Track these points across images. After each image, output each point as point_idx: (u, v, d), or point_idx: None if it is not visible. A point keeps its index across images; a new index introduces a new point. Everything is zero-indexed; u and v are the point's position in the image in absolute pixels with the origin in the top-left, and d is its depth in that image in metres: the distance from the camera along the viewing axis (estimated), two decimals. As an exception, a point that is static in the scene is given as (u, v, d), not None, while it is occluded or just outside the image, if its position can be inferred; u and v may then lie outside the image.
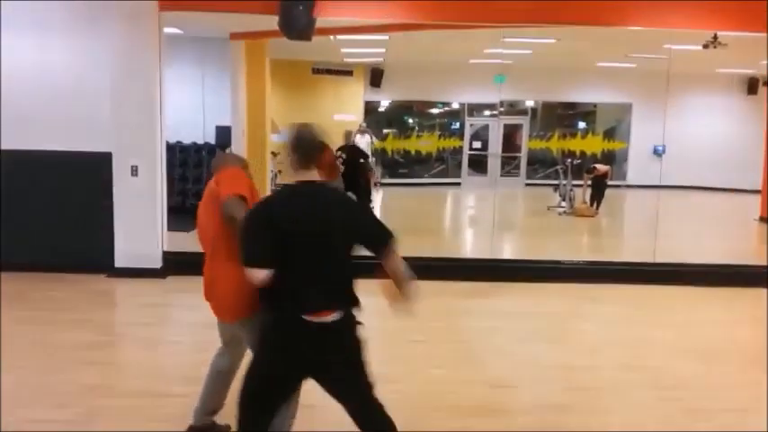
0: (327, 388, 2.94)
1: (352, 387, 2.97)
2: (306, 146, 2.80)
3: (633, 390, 4.37)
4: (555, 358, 4.95)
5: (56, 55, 7.01)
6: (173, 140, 9.88)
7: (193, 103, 11.35)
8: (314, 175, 2.80)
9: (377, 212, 12.79)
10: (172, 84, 7.68)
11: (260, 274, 2.66)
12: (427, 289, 6.81)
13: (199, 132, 10.64)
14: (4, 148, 6.95)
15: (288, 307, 2.72)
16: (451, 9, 7.37)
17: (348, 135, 10.44)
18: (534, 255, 8.40)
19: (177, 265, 7.01)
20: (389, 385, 4.33)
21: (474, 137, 18.46)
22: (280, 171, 11.07)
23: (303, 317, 2.70)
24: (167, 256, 7.10)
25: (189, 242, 8.64)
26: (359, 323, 2.98)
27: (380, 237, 2.97)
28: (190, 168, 10.62)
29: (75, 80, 7.01)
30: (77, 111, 6.99)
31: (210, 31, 10.66)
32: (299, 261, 2.70)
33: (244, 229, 2.75)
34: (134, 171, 6.89)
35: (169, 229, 7.33)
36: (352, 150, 10.29)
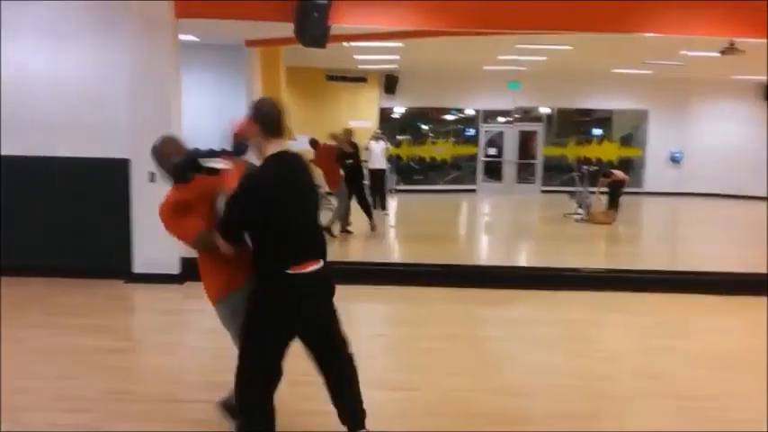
0: (311, 338, 3.27)
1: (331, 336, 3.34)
2: (271, 114, 3.09)
3: (651, 399, 4.32)
4: (572, 367, 4.91)
5: (74, 62, 7.11)
6: (189, 147, 9.92)
7: (209, 110, 11.41)
8: (284, 144, 3.10)
9: (391, 219, 12.79)
10: (188, 90, 7.75)
11: (228, 248, 3.02)
12: (443, 296, 6.93)
13: (215, 139, 10.69)
14: (22, 154, 7.04)
15: (277, 264, 2.98)
16: (466, 15, 7.37)
17: (347, 134, 10.40)
18: (551, 262, 8.36)
19: (195, 270, 6.99)
20: (406, 392, 4.35)
21: (489, 143, 18.44)
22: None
23: (289, 271, 2.98)
24: (185, 261, 7.14)
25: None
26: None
27: None
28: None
29: (93, 87, 7.10)
30: (96, 117, 7.07)
31: (226, 38, 10.74)
32: (286, 223, 2.98)
33: (233, 204, 2.98)
34: (152, 177, 6.93)
35: (186, 234, 7.36)
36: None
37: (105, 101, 7.07)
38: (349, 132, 10.48)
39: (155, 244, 7.05)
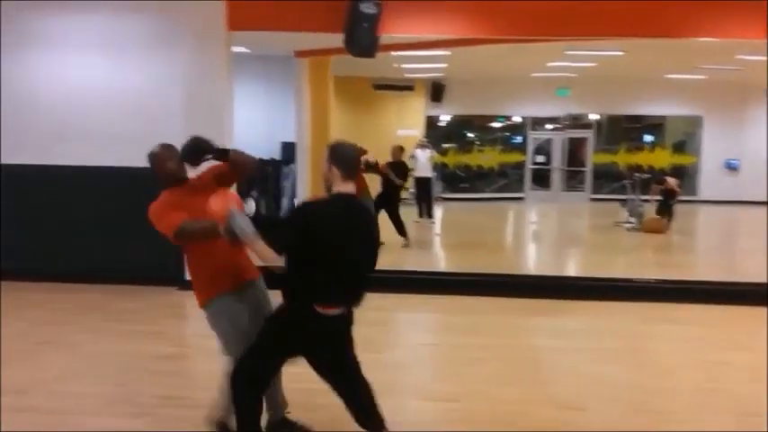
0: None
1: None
2: (349, 159, 3.06)
3: (710, 414, 4.18)
4: (626, 379, 4.79)
5: (130, 74, 7.29)
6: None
7: (259, 120, 11.62)
8: (352, 188, 3.08)
9: (437, 228, 12.75)
10: (238, 100, 7.89)
11: (272, 255, 2.91)
12: (491, 305, 6.86)
13: (264, 148, 10.85)
14: (85, 164, 7.27)
15: (307, 299, 3.01)
16: (515, 23, 7.32)
17: (397, 151, 10.37)
18: (602, 272, 8.19)
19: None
20: (450, 404, 4.31)
21: (537, 151, 18.23)
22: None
23: (317, 308, 3.00)
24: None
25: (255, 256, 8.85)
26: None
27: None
28: (256, 183, 10.82)
29: (148, 99, 7.27)
30: (151, 129, 7.24)
31: (276, 49, 10.92)
32: (332, 263, 2.97)
33: (289, 220, 3.11)
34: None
35: (236, 243, 7.49)
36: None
37: (160, 112, 7.24)
38: (400, 149, 10.43)
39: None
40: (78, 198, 7.35)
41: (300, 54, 11.22)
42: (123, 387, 4.45)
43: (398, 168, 10.09)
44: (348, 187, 3.06)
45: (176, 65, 7.15)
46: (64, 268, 7.27)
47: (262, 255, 2.94)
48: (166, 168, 3.50)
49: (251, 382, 3.17)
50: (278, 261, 2.96)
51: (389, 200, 10.02)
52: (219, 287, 3.42)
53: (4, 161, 7.38)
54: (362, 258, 3.08)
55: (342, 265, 3.00)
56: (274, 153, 11.89)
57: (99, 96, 7.29)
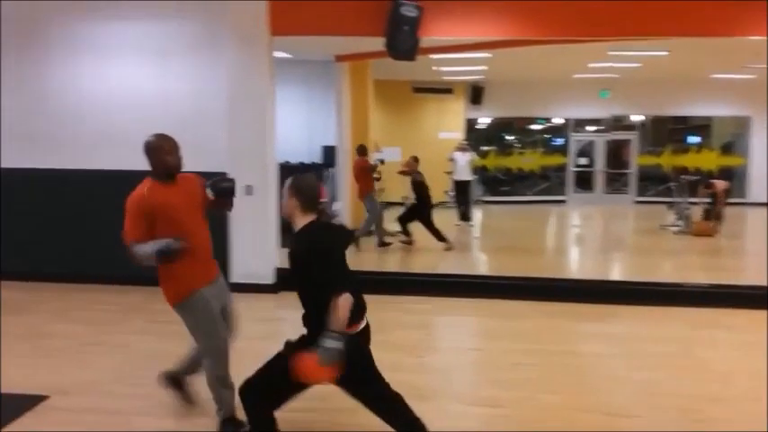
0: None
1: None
2: (307, 191, 3.20)
3: (762, 422, 4.04)
4: (677, 387, 4.66)
5: (175, 79, 7.43)
6: (281, 160, 10.21)
7: (300, 124, 11.69)
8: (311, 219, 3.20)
9: (476, 231, 12.66)
10: (280, 105, 7.96)
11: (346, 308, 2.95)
12: (533, 310, 6.77)
13: (305, 152, 10.93)
14: (130, 168, 7.40)
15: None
16: (558, 24, 7.24)
17: (413, 163, 10.35)
18: (649, 276, 8.01)
19: (288, 281, 7.20)
20: (497, 409, 4.25)
21: (579, 153, 17.95)
22: (383, 189, 11.16)
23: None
24: (280, 272, 7.32)
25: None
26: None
27: None
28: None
29: (192, 103, 7.38)
30: (195, 132, 7.36)
31: (316, 53, 10.98)
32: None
33: (321, 265, 3.07)
34: (248, 190, 7.14)
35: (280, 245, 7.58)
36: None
37: (204, 116, 7.35)
38: (415, 161, 10.38)
39: (251, 255, 7.27)
40: (122, 202, 7.48)
41: (340, 58, 11.26)
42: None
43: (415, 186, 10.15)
44: (308, 219, 3.18)
45: (220, 70, 7.25)
46: (107, 271, 7.39)
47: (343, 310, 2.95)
48: (165, 161, 3.62)
49: (268, 403, 3.26)
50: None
51: (422, 208, 10.04)
52: (190, 288, 3.62)
53: (51, 166, 7.60)
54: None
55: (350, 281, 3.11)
56: (315, 157, 11.96)
57: (144, 101, 7.43)
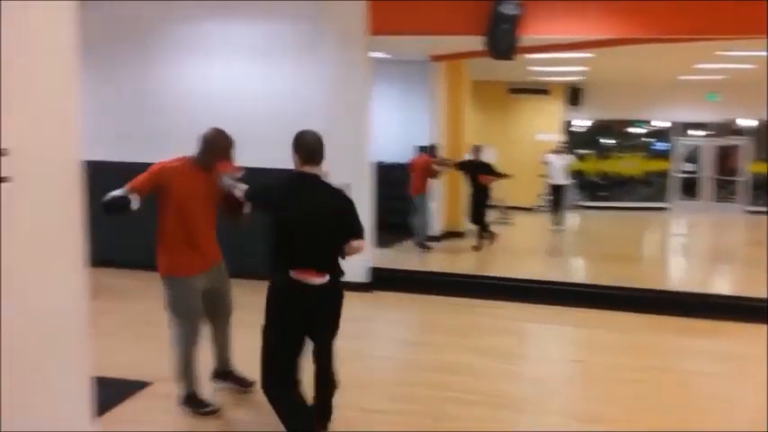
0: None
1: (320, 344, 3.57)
2: (305, 146, 3.61)
3: None
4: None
5: (275, 79, 7.55)
6: (376, 159, 10.25)
7: (395, 124, 11.68)
8: (317, 170, 3.56)
9: (567, 237, 12.28)
10: (376, 105, 7.98)
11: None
12: (635, 322, 6.43)
13: (400, 152, 10.90)
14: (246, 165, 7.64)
15: (276, 263, 3.46)
16: (663, 22, 6.88)
17: (476, 150, 10.34)
18: (763, 292, 7.45)
19: (382, 280, 7.24)
20: (606, 425, 4.03)
21: (684, 158, 17.05)
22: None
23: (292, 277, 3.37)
24: (374, 271, 7.33)
25: (393, 258, 8.91)
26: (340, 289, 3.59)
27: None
28: (392, 187, 10.87)
29: (292, 102, 7.45)
30: (294, 132, 7.48)
31: (412, 53, 10.94)
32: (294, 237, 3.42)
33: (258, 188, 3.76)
34: (345, 189, 7.18)
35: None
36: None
37: (301, 115, 7.44)
38: (477, 149, 10.39)
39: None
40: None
41: (436, 58, 11.19)
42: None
43: (473, 167, 10.08)
44: (309, 169, 3.53)
45: (318, 69, 7.32)
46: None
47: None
48: (210, 154, 3.91)
49: (266, 368, 3.50)
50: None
51: (476, 199, 10.04)
52: (177, 271, 3.87)
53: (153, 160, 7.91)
54: (314, 226, 3.43)
55: (293, 230, 3.43)
56: (410, 156, 11.92)
57: (242, 100, 7.59)
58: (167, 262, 3.89)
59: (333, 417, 3.67)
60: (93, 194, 3.21)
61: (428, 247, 9.87)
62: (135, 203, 3.63)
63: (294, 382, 3.53)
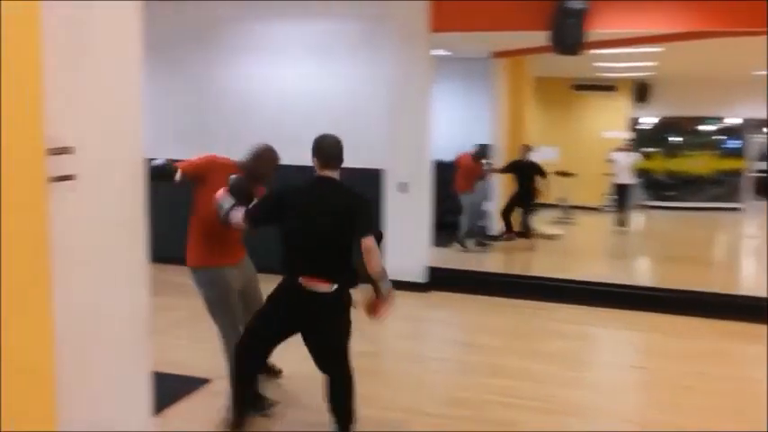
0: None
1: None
2: (323, 150, 3.63)
3: None
4: None
5: (338, 77, 7.58)
6: (435, 158, 10.17)
7: (456, 121, 11.58)
8: (335, 174, 3.58)
9: (633, 238, 11.89)
10: (436, 102, 7.91)
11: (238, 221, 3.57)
12: (701, 327, 6.17)
13: (460, 149, 10.78)
14: (295, 163, 7.71)
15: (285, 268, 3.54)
16: (739, 15, 6.56)
17: (525, 150, 10.23)
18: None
19: (438, 280, 7.17)
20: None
21: (760, 157, 16.28)
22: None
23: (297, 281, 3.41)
24: (431, 271, 7.27)
25: (449, 258, 8.81)
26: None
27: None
28: (451, 185, 10.77)
29: (354, 101, 7.49)
30: (355, 130, 7.48)
31: (473, 50, 10.80)
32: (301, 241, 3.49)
33: (263, 198, 3.80)
34: (404, 188, 7.16)
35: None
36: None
37: (362, 113, 7.46)
38: (526, 148, 10.31)
39: (403, 252, 7.20)
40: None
41: (498, 55, 11.01)
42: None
43: (519, 168, 9.99)
44: (328, 173, 3.55)
45: (380, 68, 7.31)
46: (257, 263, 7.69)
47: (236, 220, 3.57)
48: (261, 174, 3.93)
49: (248, 353, 3.64)
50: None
51: (519, 198, 9.96)
52: (210, 261, 3.90)
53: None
54: (323, 229, 3.44)
55: (301, 234, 3.49)
56: (456, 154, 11.77)
57: (307, 99, 7.65)
58: (198, 254, 3.95)
59: (355, 422, 3.63)
60: (154, 192, 3.27)
61: (466, 247, 9.67)
62: (178, 176, 3.78)
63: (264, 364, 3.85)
